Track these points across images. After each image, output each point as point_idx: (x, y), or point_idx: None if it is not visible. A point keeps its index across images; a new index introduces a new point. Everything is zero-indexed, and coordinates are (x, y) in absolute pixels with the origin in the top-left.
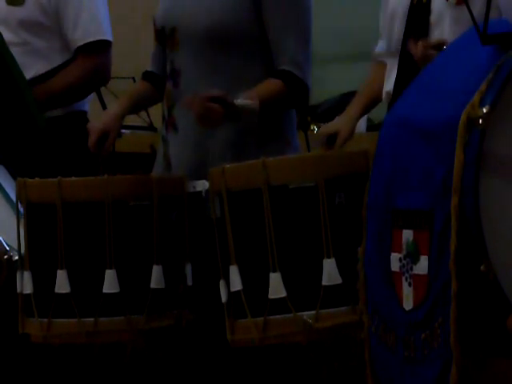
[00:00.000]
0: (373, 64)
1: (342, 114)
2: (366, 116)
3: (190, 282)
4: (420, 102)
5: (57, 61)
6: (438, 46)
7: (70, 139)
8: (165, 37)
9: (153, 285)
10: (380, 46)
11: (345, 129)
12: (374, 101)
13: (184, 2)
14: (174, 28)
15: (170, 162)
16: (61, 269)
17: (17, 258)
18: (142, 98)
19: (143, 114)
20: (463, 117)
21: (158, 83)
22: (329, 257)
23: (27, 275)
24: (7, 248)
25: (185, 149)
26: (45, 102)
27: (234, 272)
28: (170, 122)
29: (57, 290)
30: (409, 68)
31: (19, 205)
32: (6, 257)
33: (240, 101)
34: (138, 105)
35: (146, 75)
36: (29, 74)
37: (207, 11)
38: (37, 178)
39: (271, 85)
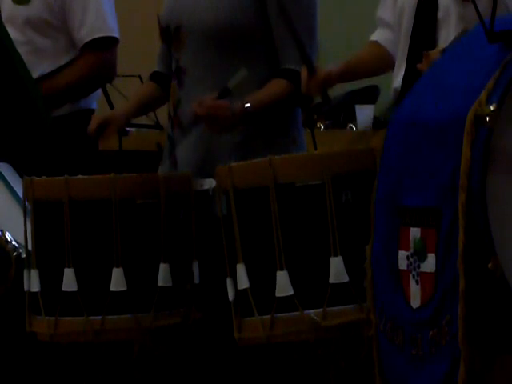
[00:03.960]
0: (369, 43)
1: None
2: (372, 113)
3: (197, 280)
4: (427, 99)
5: (62, 60)
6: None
7: (78, 137)
8: (170, 35)
9: (160, 283)
10: (376, 34)
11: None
12: (358, 65)
13: (189, 0)
14: (179, 27)
15: (175, 160)
16: (68, 267)
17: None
18: (150, 100)
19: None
20: (470, 114)
21: (166, 83)
22: (336, 255)
23: (34, 273)
24: (16, 245)
25: (191, 147)
26: (49, 99)
27: (241, 270)
28: (175, 121)
29: (64, 289)
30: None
31: (26, 203)
32: (15, 254)
33: (231, 81)
34: (145, 106)
35: (153, 76)
36: (34, 72)
37: (212, 10)
38: (44, 177)
39: (278, 86)
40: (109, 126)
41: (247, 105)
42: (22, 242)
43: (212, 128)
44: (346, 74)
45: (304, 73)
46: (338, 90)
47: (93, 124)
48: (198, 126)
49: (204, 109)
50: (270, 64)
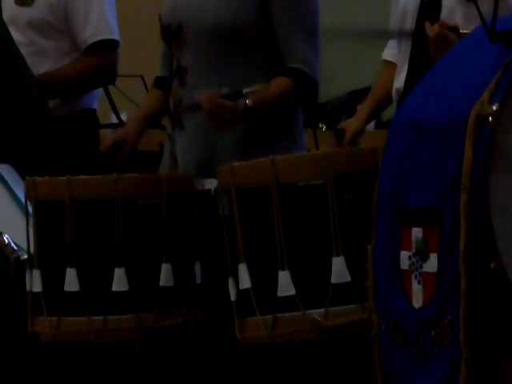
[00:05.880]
0: (383, 64)
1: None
2: None
3: (198, 280)
4: (429, 100)
5: (65, 61)
6: (454, 29)
7: (79, 137)
8: (171, 35)
9: (162, 283)
10: (390, 46)
11: (352, 125)
12: (384, 102)
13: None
14: (180, 26)
15: (176, 159)
16: (70, 267)
17: (25, 257)
18: (159, 109)
19: None
20: (472, 114)
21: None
22: (338, 255)
23: (36, 273)
24: (15, 247)
25: (191, 146)
26: (48, 89)
27: (242, 270)
28: (176, 120)
29: (66, 289)
30: (420, 66)
31: (28, 203)
32: (14, 256)
33: (248, 89)
34: (155, 117)
35: (158, 82)
36: (37, 74)
37: (214, 9)
38: (46, 177)
39: (281, 83)
40: (124, 147)
41: (249, 102)
42: (22, 244)
43: (212, 123)
44: (372, 118)
45: (333, 139)
46: (339, 90)
47: (105, 145)
48: (195, 112)
49: (209, 104)
50: (272, 62)
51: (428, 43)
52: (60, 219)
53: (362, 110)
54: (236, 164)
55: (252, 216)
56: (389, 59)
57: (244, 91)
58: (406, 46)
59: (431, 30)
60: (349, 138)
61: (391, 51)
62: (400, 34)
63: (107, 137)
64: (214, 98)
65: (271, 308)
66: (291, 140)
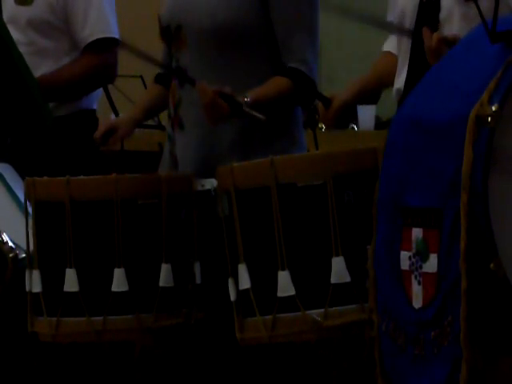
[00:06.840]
0: (383, 54)
1: None
2: (374, 114)
3: (198, 281)
4: (429, 100)
5: (64, 61)
6: (452, 43)
7: (79, 138)
8: (170, 35)
9: (161, 283)
10: (388, 43)
11: (341, 96)
12: (378, 83)
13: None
14: (180, 26)
15: (176, 160)
16: (70, 267)
17: (23, 255)
18: (156, 103)
19: None
20: (472, 115)
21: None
22: (337, 255)
23: (36, 274)
24: (13, 246)
25: (191, 147)
26: (48, 92)
27: (242, 270)
28: (175, 120)
29: (66, 289)
30: (420, 66)
31: (28, 204)
32: (11, 255)
33: (249, 109)
34: (152, 110)
35: (158, 78)
36: (36, 73)
37: (213, 9)
38: (45, 177)
39: (279, 83)
40: (115, 133)
41: (247, 99)
42: (21, 243)
43: (207, 115)
44: (363, 95)
45: (320, 106)
46: (338, 90)
47: (99, 131)
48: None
49: (206, 100)
50: (272, 63)
51: (424, 49)
52: (60, 219)
53: (355, 85)
54: (236, 164)
55: (252, 216)
56: (389, 50)
57: (244, 108)
58: (406, 47)
59: (428, 39)
60: (335, 106)
61: (392, 44)
62: (400, 31)
63: (101, 124)
64: (212, 96)
65: (271, 308)
66: (291, 140)
